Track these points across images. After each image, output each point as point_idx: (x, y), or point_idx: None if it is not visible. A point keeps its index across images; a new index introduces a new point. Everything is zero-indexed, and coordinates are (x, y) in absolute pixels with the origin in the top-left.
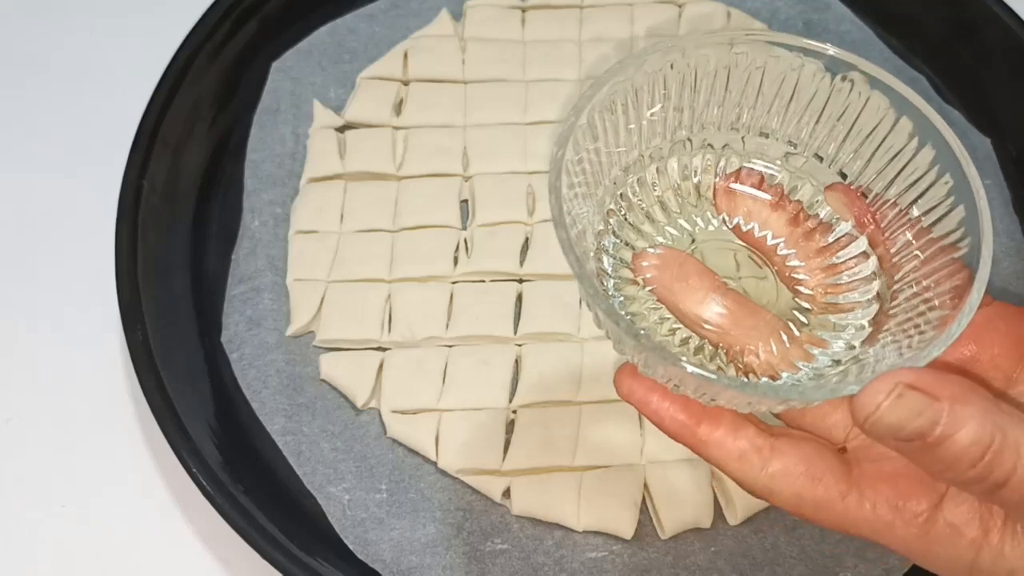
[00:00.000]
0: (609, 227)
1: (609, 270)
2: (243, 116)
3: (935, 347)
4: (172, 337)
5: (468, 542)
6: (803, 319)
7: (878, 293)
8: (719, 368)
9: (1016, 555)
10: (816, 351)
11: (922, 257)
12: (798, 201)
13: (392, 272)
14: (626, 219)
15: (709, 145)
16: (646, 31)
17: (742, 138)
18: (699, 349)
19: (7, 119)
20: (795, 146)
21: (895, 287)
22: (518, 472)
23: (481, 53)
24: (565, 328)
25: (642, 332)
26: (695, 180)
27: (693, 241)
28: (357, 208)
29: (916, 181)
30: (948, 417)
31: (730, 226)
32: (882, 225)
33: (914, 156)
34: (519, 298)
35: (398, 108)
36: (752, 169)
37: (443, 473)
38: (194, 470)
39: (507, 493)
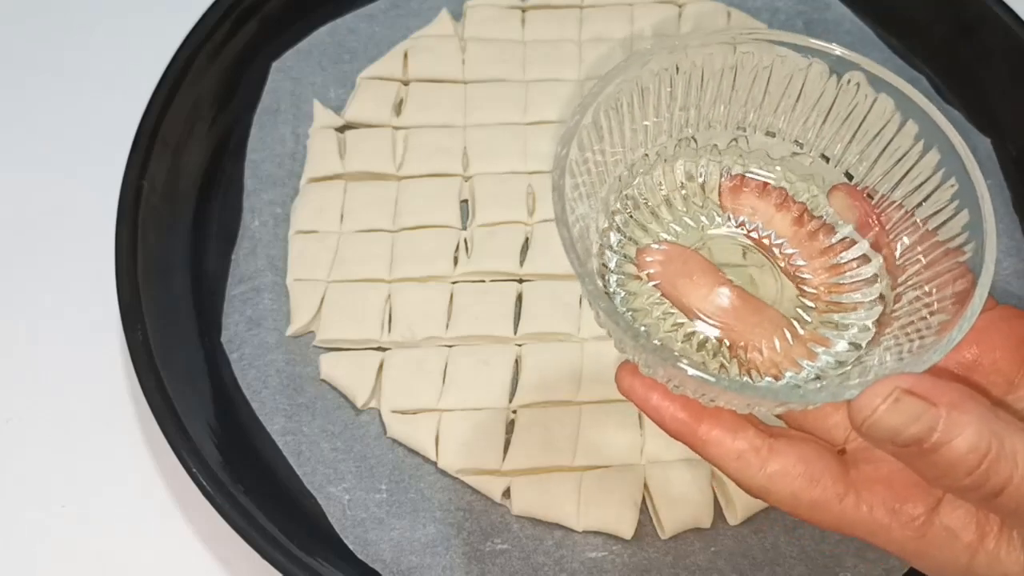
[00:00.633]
0: (614, 224)
1: (613, 266)
2: (243, 116)
3: (935, 352)
4: (172, 337)
5: (468, 542)
6: (807, 317)
7: (882, 295)
8: (722, 364)
9: (1011, 560)
10: (820, 350)
11: (924, 261)
12: (803, 202)
13: (392, 272)
14: (632, 217)
15: (715, 145)
16: (646, 31)
17: (748, 137)
18: (702, 345)
19: (7, 119)
20: (801, 146)
21: (898, 289)
22: (518, 472)
23: (481, 53)
24: (565, 328)
25: (643, 331)
26: (700, 180)
27: (700, 239)
28: (357, 208)
29: (921, 184)
30: (945, 423)
31: (735, 225)
32: (887, 227)
33: (920, 159)
34: (519, 298)
35: (398, 108)
36: (756, 171)
37: (443, 473)
38: (194, 470)
39: (507, 493)
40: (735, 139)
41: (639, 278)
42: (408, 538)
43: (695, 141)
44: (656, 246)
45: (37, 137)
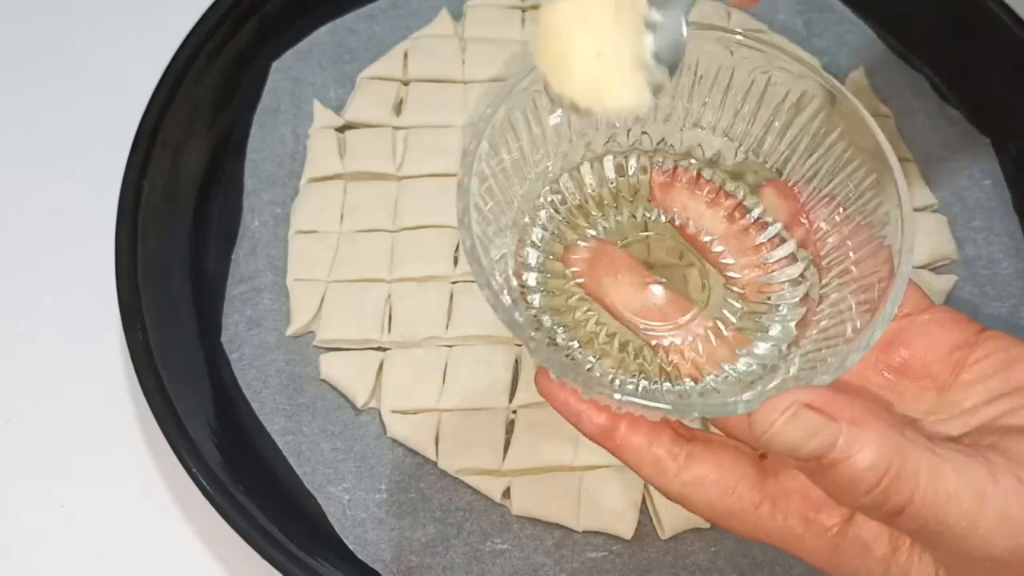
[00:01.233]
0: (538, 220)
1: (534, 263)
2: (243, 116)
3: (847, 358)
4: (172, 337)
5: (468, 542)
6: (732, 318)
7: (809, 295)
8: (641, 367)
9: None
10: (742, 352)
11: (848, 261)
12: (735, 198)
13: (392, 272)
14: (558, 212)
15: (644, 133)
16: None
17: (680, 130)
18: (624, 346)
19: (7, 119)
20: (732, 140)
21: (823, 291)
22: (518, 472)
23: (481, 53)
24: None
25: (532, 338)
26: (630, 175)
27: (629, 236)
28: (357, 208)
29: (844, 179)
30: (845, 440)
31: (666, 220)
32: (814, 226)
33: (846, 155)
34: None
35: (398, 108)
36: (688, 166)
37: (443, 473)
38: (194, 470)
39: (507, 493)
40: (664, 138)
41: (564, 276)
42: (408, 538)
43: (627, 135)
44: (583, 243)
45: (37, 137)
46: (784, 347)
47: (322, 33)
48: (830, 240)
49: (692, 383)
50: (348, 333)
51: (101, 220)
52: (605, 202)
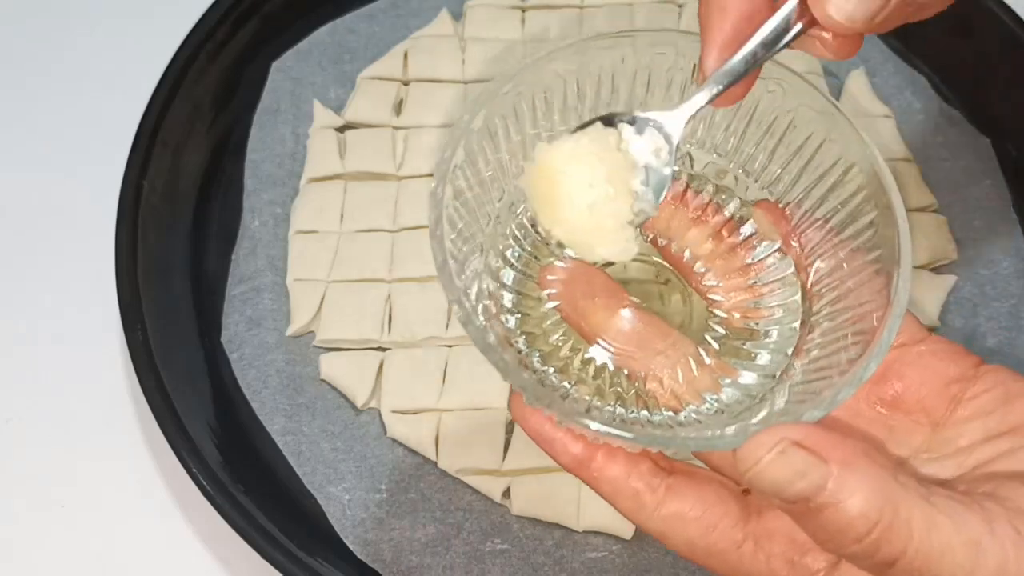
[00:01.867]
0: (515, 238)
1: (510, 283)
2: (243, 116)
3: (835, 398)
4: (172, 337)
5: (468, 542)
6: (715, 345)
7: (803, 322)
8: (618, 395)
9: None
10: (726, 381)
11: (842, 289)
12: (723, 214)
13: (392, 272)
14: (535, 229)
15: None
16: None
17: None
18: (599, 372)
19: (7, 119)
20: (721, 156)
21: (814, 318)
22: (518, 472)
23: (481, 53)
24: None
25: (504, 361)
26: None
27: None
28: (357, 208)
29: (840, 206)
30: (835, 483)
31: (647, 240)
32: (806, 250)
33: (842, 177)
34: None
35: (398, 108)
36: (676, 179)
37: (443, 473)
38: (194, 470)
39: (507, 493)
40: None
41: (539, 299)
42: (408, 538)
43: None
44: (560, 264)
45: (37, 137)
46: (776, 375)
47: (322, 33)
48: (822, 265)
49: (671, 413)
50: (348, 333)
51: (101, 220)
52: None
